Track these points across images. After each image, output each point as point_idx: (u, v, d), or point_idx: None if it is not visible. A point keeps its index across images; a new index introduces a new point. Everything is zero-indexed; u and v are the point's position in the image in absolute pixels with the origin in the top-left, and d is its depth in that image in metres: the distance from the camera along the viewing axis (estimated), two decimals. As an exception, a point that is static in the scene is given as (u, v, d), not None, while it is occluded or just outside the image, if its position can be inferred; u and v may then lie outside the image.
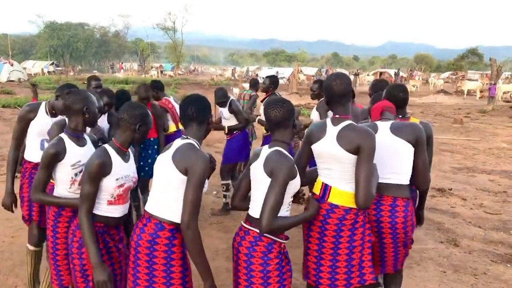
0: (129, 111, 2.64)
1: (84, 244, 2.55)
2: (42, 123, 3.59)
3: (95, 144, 3.08)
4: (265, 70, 54.04)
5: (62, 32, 72.34)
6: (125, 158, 2.71)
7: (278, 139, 2.60)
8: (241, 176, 2.79)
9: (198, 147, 2.51)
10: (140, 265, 2.46)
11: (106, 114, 4.52)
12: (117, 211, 2.73)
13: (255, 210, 2.56)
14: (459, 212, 6.73)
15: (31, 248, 3.68)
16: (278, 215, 2.46)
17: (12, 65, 35.56)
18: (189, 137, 2.53)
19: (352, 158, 2.65)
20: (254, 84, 8.09)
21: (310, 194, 2.83)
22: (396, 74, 44.39)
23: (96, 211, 2.64)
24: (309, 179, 2.95)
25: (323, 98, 5.63)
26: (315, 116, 5.47)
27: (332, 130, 2.74)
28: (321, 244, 2.76)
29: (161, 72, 50.47)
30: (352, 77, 42.27)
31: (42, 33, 73.10)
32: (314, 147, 2.84)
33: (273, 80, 6.15)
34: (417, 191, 3.52)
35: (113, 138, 2.70)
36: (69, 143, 2.86)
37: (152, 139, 5.40)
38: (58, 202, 2.88)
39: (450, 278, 4.55)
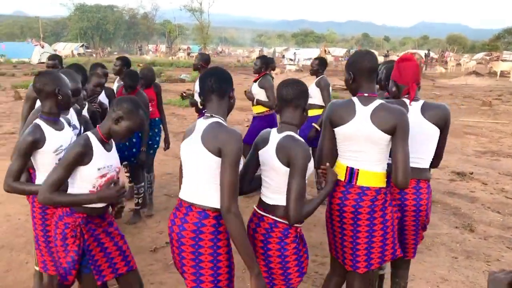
0: (120, 103, 2.55)
1: (79, 203, 2.52)
2: None
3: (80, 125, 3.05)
4: (292, 51, 53.45)
5: (92, 14, 73.16)
6: (107, 147, 2.62)
7: (287, 121, 2.51)
8: (246, 161, 2.68)
9: (225, 123, 2.39)
10: (185, 257, 2.37)
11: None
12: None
13: (268, 196, 2.51)
14: (478, 196, 6.54)
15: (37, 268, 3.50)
16: None
17: (43, 47, 36.38)
18: (213, 115, 2.41)
19: (388, 138, 2.61)
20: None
21: (328, 164, 2.74)
22: (427, 55, 43.22)
23: None
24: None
25: (323, 75, 5.79)
26: (313, 90, 5.64)
27: (364, 110, 2.66)
28: (355, 229, 2.72)
29: (188, 54, 50.48)
30: (382, 59, 41.54)
31: (72, 16, 74.15)
32: (340, 129, 2.73)
33: (264, 61, 6.03)
34: None
35: (98, 126, 2.61)
36: (47, 129, 2.78)
37: (156, 119, 5.45)
38: (30, 190, 2.77)
39: (461, 264, 4.45)
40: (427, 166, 3.02)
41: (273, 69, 7.39)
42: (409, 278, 4.00)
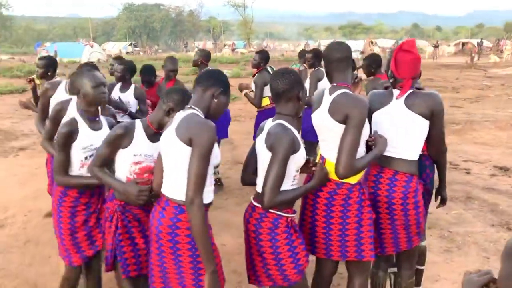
0: (170, 94, 2.57)
1: (107, 184, 2.67)
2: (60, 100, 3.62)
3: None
4: (339, 44, 52.45)
5: (139, 13, 74.99)
6: (152, 137, 2.63)
7: (281, 112, 2.50)
8: (249, 152, 2.71)
9: (202, 116, 2.35)
10: (165, 251, 2.33)
11: (133, 89, 4.61)
12: None
13: (259, 185, 2.50)
14: (521, 193, 6.11)
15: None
16: (282, 189, 2.39)
17: (92, 46, 37.55)
18: (192, 106, 2.37)
19: (342, 128, 2.51)
20: (301, 56, 7.86)
21: (321, 162, 2.68)
22: (479, 44, 41.35)
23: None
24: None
25: (319, 68, 5.70)
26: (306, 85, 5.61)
27: (327, 99, 2.62)
28: (314, 217, 2.71)
29: (233, 50, 50.70)
30: (431, 49, 40.14)
31: (121, 15, 76.30)
32: (312, 117, 2.76)
33: (263, 56, 5.88)
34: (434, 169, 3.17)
35: (148, 116, 2.66)
36: (82, 125, 2.84)
37: None
38: (83, 183, 2.88)
39: (492, 265, 4.14)
40: (408, 157, 2.79)
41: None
42: (434, 279, 3.80)
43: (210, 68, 2.39)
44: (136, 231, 2.69)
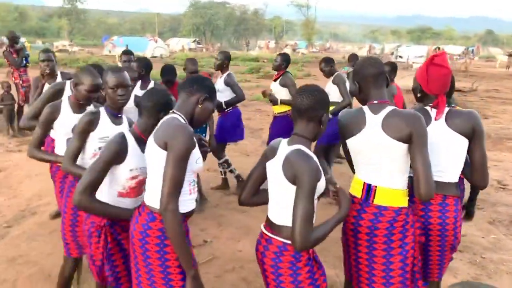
0: (152, 97, 2.48)
1: (111, 215, 2.50)
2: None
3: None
4: (403, 47, 50.99)
5: (205, 10, 76.58)
6: (143, 147, 2.46)
7: (299, 133, 2.26)
8: (252, 169, 2.50)
9: (183, 121, 2.26)
10: (137, 256, 2.30)
11: (152, 86, 4.63)
12: (128, 204, 2.55)
13: (274, 214, 2.28)
14: None
15: None
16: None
17: (156, 41, 38.72)
18: (175, 111, 2.30)
19: (404, 147, 2.38)
20: (352, 59, 7.76)
21: (339, 187, 2.44)
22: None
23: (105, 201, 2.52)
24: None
25: (337, 73, 5.89)
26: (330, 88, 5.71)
27: (374, 119, 2.46)
28: (371, 252, 2.52)
29: (294, 50, 50.61)
30: (505, 58, 37.97)
31: (187, 12, 78.21)
32: (351, 141, 2.57)
33: (285, 58, 5.71)
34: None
35: (134, 125, 2.55)
36: (104, 117, 2.88)
37: None
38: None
39: (525, 299, 3.82)
40: (454, 180, 2.67)
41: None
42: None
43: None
44: (126, 243, 2.60)
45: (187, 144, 2.14)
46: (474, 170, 2.66)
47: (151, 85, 4.74)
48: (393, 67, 5.67)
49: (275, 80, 5.77)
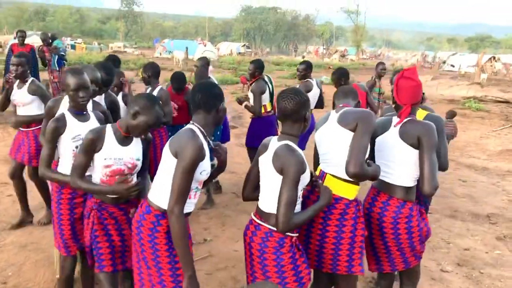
0: (137, 99, 2.65)
1: (94, 192, 2.77)
2: None
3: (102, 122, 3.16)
4: (457, 56, 49.35)
5: (255, 15, 77.28)
6: (123, 141, 2.73)
7: (287, 131, 2.54)
8: (250, 167, 2.76)
9: (198, 133, 2.44)
10: (145, 250, 2.50)
11: (158, 90, 4.80)
12: None
13: (264, 203, 2.54)
14: None
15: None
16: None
17: (205, 45, 39.47)
18: (194, 123, 2.50)
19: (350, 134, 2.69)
20: (377, 66, 7.87)
21: (321, 182, 2.75)
22: None
23: None
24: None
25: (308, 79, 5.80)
26: None
27: (333, 116, 2.87)
28: (309, 230, 2.80)
29: (343, 56, 50.12)
30: None
31: (238, 17, 79.23)
32: (316, 135, 2.97)
33: (257, 65, 5.69)
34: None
35: (118, 121, 2.77)
36: (70, 118, 3.03)
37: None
38: (57, 179, 3.03)
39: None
40: (401, 183, 2.86)
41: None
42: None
43: (202, 83, 2.45)
44: (112, 228, 2.81)
45: (195, 156, 2.33)
46: (422, 177, 2.75)
47: (158, 89, 4.85)
48: (342, 73, 5.64)
49: (250, 86, 5.83)
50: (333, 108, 3.01)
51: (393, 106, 3.03)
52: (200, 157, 2.36)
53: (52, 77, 9.17)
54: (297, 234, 2.57)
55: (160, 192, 2.45)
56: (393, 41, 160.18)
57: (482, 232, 5.33)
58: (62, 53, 9.10)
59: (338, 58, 48.13)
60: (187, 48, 31.54)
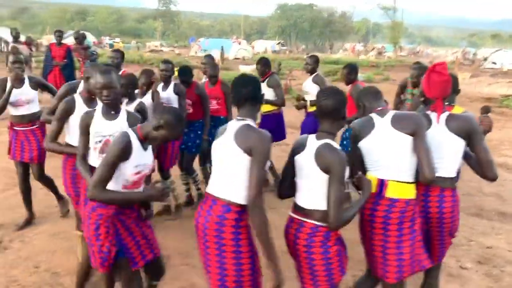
0: (164, 114, 2.70)
1: (129, 201, 2.81)
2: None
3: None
4: (501, 53, 47.69)
5: (291, 13, 77.08)
6: (145, 145, 2.79)
7: (325, 129, 2.62)
8: (285, 166, 2.78)
9: (256, 126, 2.58)
10: (209, 247, 2.56)
11: (173, 86, 5.08)
12: None
13: (304, 200, 2.62)
14: None
15: (79, 233, 3.75)
16: None
17: (239, 44, 39.75)
18: (245, 118, 2.59)
19: (410, 141, 2.77)
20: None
21: (360, 173, 2.84)
22: None
23: None
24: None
25: (318, 73, 6.00)
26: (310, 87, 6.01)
27: (382, 121, 2.89)
28: (385, 239, 2.84)
29: (380, 53, 49.43)
30: None
31: (274, 15, 79.22)
32: (363, 143, 2.94)
33: (264, 63, 6.06)
34: None
35: (138, 126, 2.80)
36: (98, 115, 3.14)
37: (221, 117, 5.67)
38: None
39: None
40: (451, 175, 3.00)
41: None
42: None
43: (244, 76, 2.63)
44: (133, 226, 2.89)
45: (270, 148, 2.50)
46: (481, 164, 2.96)
47: (171, 85, 5.13)
48: (353, 68, 5.86)
49: (262, 81, 6.00)
50: (361, 109, 3.07)
51: (422, 100, 3.13)
52: (271, 147, 2.51)
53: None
54: None
55: (236, 189, 2.50)
56: (432, 38, 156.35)
57: (507, 231, 5.26)
58: (94, 56, 9.38)
59: (375, 55, 47.45)
60: (222, 47, 31.92)
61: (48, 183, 4.98)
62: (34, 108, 4.69)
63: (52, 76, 9.17)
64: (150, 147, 2.86)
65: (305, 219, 2.58)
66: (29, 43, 11.97)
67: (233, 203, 2.50)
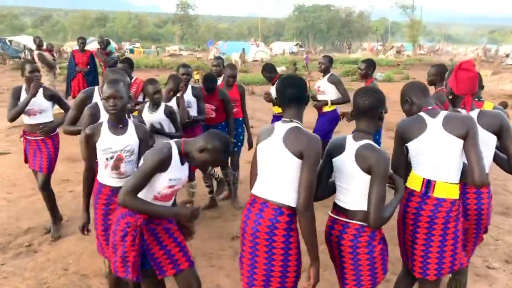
0: (212, 136, 2.63)
1: (151, 212, 2.70)
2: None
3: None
4: (522, 49, 46.93)
5: (308, 14, 76.97)
6: (183, 160, 2.73)
7: (363, 129, 2.60)
8: (320, 169, 2.71)
9: (306, 130, 2.57)
10: (259, 249, 2.54)
11: (191, 90, 5.13)
12: None
13: (347, 202, 2.62)
14: None
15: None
16: None
17: (257, 46, 39.86)
18: (292, 120, 2.58)
19: (461, 144, 2.72)
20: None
21: (391, 171, 2.78)
22: None
23: None
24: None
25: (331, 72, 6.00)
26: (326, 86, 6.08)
27: (434, 121, 2.80)
28: (429, 238, 2.84)
29: (398, 52, 48.99)
30: None
31: (291, 16, 79.21)
32: (413, 143, 2.88)
33: (270, 69, 6.17)
34: None
35: (183, 141, 2.72)
36: (105, 130, 3.07)
37: (240, 119, 5.71)
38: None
39: None
40: (487, 171, 2.96)
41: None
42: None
43: (290, 77, 2.65)
44: (162, 234, 2.82)
45: (321, 152, 2.49)
46: (509, 158, 2.96)
47: (189, 88, 5.17)
48: (371, 63, 5.98)
49: (272, 85, 6.10)
50: (406, 104, 2.98)
51: (449, 97, 3.13)
52: (321, 151, 2.50)
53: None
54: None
55: (287, 192, 2.50)
56: (452, 35, 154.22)
57: (534, 229, 5.17)
58: (111, 61, 9.48)
59: (394, 54, 47.01)
60: (243, 49, 32.08)
61: (50, 197, 4.84)
62: (46, 118, 4.68)
63: (76, 82, 9.36)
64: (186, 163, 2.81)
65: (349, 220, 2.58)
66: (50, 50, 12.22)
67: (285, 205, 2.50)
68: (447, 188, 2.78)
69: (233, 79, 5.63)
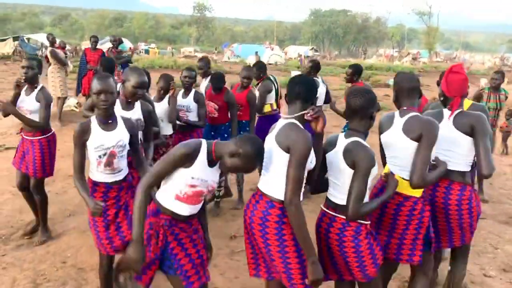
0: (245, 141, 2.47)
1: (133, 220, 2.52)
2: None
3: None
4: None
5: (325, 18, 76.88)
6: (212, 163, 2.59)
7: (354, 128, 2.72)
8: (318, 162, 2.85)
9: (301, 126, 2.63)
10: (256, 239, 2.67)
11: (193, 94, 5.19)
12: (183, 209, 2.63)
13: (336, 196, 2.73)
14: None
15: None
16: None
17: (272, 49, 39.90)
18: (290, 116, 2.67)
19: (414, 145, 2.81)
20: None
21: (389, 172, 2.96)
22: None
23: (163, 202, 2.64)
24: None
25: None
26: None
27: (399, 121, 2.93)
28: (378, 226, 3.02)
29: (414, 59, 48.58)
30: None
31: (307, 20, 79.20)
32: (382, 137, 3.09)
33: (260, 67, 6.09)
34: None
35: (214, 142, 2.59)
36: (95, 127, 3.04)
37: (244, 121, 5.66)
38: (80, 194, 3.02)
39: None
40: (460, 169, 3.14)
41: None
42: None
43: (300, 76, 2.72)
44: (186, 241, 2.68)
45: (308, 148, 2.53)
46: (478, 162, 3.00)
47: (192, 92, 5.22)
48: (358, 69, 6.00)
49: (257, 86, 6.10)
50: (397, 105, 3.05)
51: (441, 99, 3.31)
52: (310, 147, 2.54)
53: (117, 79, 9.78)
54: (369, 222, 2.74)
55: (278, 186, 2.58)
56: (470, 43, 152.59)
57: (536, 239, 5.11)
58: (122, 60, 9.57)
59: (409, 61, 46.63)
60: (257, 52, 32.13)
61: (42, 200, 4.60)
62: (38, 119, 4.33)
63: (86, 80, 9.53)
64: (217, 167, 2.64)
65: (336, 215, 2.68)
66: (63, 47, 12.42)
67: (276, 199, 2.59)
68: (405, 184, 2.88)
69: (247, 81, 5.62)
